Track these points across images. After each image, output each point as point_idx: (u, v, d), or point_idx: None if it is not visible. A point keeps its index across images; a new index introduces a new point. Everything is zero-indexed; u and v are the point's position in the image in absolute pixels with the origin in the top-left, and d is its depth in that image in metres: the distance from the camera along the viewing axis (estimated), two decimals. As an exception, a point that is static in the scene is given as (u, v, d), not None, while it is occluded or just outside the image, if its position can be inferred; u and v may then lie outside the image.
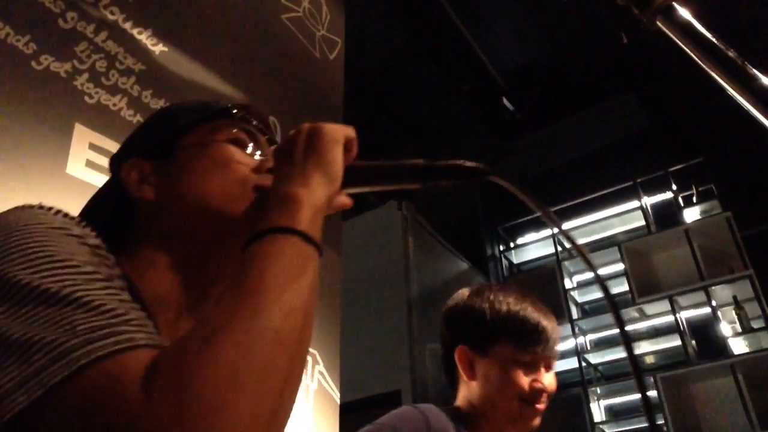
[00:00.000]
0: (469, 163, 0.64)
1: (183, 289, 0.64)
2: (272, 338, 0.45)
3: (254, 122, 0.74)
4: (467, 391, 1.23)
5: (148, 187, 0.68)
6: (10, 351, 0.42)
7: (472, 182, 0.65)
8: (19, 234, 0.48)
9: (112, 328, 0.43)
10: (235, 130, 0.70)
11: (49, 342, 0.41)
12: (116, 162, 0.74)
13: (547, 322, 1.21)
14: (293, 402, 0.48)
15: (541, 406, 1.18)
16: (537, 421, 1.19)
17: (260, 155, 0.71)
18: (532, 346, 1.18)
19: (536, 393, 1.17)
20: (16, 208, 0.54)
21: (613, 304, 0.59)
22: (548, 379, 1.20)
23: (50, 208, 0.54)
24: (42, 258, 0.47)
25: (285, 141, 0.65)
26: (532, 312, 1.21)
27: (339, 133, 0.64)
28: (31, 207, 0.54)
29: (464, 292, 1.30)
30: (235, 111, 0.73)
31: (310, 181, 0.59)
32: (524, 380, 1.17)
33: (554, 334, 1.21)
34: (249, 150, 0.70)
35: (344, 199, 0.67)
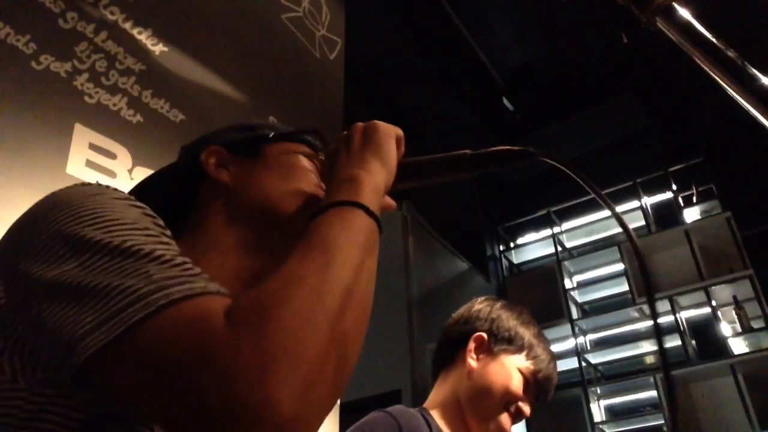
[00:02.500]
0: (515, 148, 0.67)
1: (236, 277, 0.66)
2: (344, 290, 0.48)
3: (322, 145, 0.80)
4: (458, 378, 1.26)
5: (225, 172, 0.72)
6: (87, 299, 0.43)
7: (520, 164, 0.67)
8: (87, 202, 0.50)
9: (184, 276, 0.45)
10: (311, 154, 0.77)
11: (126, 287, 0.43)
12: (189, 150, 0.78)
13: (555, 372, 1.29)
14: (357, 355, 0.52)
15: (509, 426, 1.24)
16: None
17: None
18: (542, 380, 1.26)
19: (519, 412, 1.23)
20: (76, 185, 0.56)
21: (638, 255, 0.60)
22: (528, 411, 1.26)
23: (108, 186, 0.56)
24: (111, 220, 0.49)
25: (340, 138, 0.70)
26: (550, 351, 1.30)
27: (392, 130, 0.69)
28: (91, 184, 0.56)
29: (497, 302, 1.37)
30: (314, 138, 0.79)
31: (369, 165, 0.63)
32: (520, 391, 1.23)
33: (554, 386, 1.30)
34: (317, 170, 0.76)
35: (390, 201, 0.71)
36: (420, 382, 3.25)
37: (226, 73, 1.84)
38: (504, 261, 5.19)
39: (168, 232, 0.54)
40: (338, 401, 1.78)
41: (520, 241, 5.40)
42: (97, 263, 0.45)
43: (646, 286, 0.64)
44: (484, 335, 1.28)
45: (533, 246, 5.26)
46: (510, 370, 1.23)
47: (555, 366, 1.29)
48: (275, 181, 0.71)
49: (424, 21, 4.28)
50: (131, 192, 0.72)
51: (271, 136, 0.77)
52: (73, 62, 1.44)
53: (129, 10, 1.60)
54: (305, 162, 0.75)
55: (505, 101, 5.00)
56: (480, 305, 1.35)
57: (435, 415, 1.25)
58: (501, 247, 5.25)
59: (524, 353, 1.25)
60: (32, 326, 0.45)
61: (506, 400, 1.22)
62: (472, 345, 1.27)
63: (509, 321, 1.29)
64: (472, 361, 1.26)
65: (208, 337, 0.41)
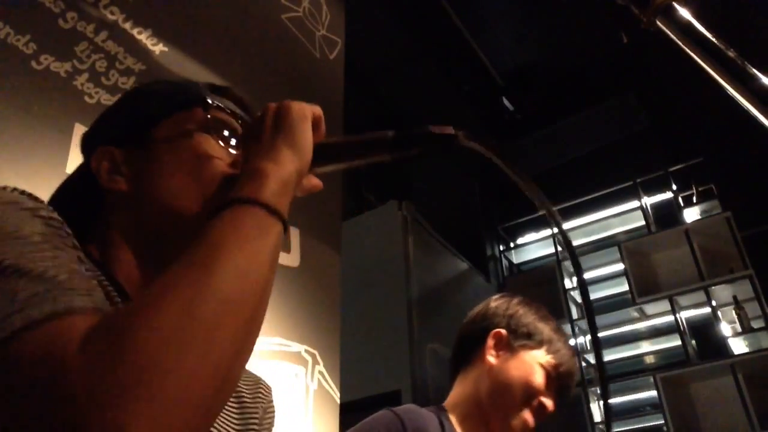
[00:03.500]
0: (439, 129, 0.62)
1: (146, 279, 0.63)
2: (221, 304, 0.43)
3: (233, 109, 0.71)
4: (477, 376, 1.24)
5: (119, 178, 0.66)
6: None
7: (444, 149, 0.63)
8: None
9: (51, 293, 0.42)
10: (211, 119, 0.68)
11: None
12: (87, 145, 0.72)
13: (576, 368, 1.29)
14: (240, 371, 0.46)
15: (533, 423, 1.21)
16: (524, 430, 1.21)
17: (234, 145, 0.68)
18: (563, 371, 1.24)
19: (542, 407, 1.21)
20: None
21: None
22: (552, 405, 1.24)
23: (5, 187, 0.53)
24: (2, 234, 0.46)
25: (252, 122, 0.64)
26: (569, 346, 1.28)
27: (306, 110, 0.63)
28: (5, 189, 0.53)
29: (514, 297, 1.35)
30: (209, 100, 0.69)
31: (278, 155, 0.57)
32: (542, 385, 1.21)
33: (575, 381, 1.28)
34: (227, 140, 0.67)
35: (314, 181, 0.66)
36: (420, 382, 3.25)
37: (225, 73, 1.84)
38: (504, 261, 5.19)
39: (65, 232, 0.51)
40: (338, 401, 1.78)
41: (520, 241, 5.40)
42: None
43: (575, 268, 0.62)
44: (503, 331, 1.25)
45: (533, 246, 5.26)
46: (531, 364, 1.22)
47: (576, 361, 1.28)
48: (170, 179, 0.64)
49: (424, 21, 4.28)
50: (52, 197, 0.69)
51: (155, 113, 0.68)
52: (73, 62, 1.44)
53: (129, 10, 1.60)
54: (204, 142, 0.66)
55: (505, 101, 5.00)
56: (497, 302, 1.33)
57: (453, 417, 1.23)
58: (501, 247, 5.25)
59: (544, 348, 1.23)
60: None
61: (528, 395, 1.20)
62: (491, 342, 1.25)
63: (527, 316, 1.27)
64: (491, 358, 1.24)
65: (57, 364, 0.38)
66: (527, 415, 1.19)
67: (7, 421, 0.39)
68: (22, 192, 0.53)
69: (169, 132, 0.67)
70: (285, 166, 0.57)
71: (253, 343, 0.47)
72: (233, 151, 0.67)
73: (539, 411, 1.21)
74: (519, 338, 1.25)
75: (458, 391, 1.27)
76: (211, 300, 0.43)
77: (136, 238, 0.64)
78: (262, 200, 0.52)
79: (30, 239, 0.47)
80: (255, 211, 0.51)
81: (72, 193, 0.70)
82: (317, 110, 0.64)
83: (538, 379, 1.20)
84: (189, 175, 0.64)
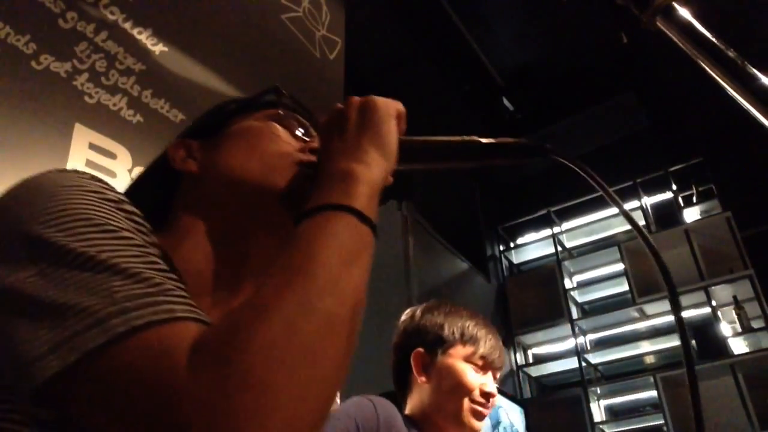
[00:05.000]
0: (531, 143, 0.61)
1: (216, 263, 0.61)
2: (325, 320, 0.42)
3: (300, 108, 0.73)
4: (419, 395, 1.29)
5: (192, 161, 0.67)
6: (44, 314, 0.40)
7: (531, 160, 0.62)
8: (55, 196, 0.46)
9: (150, 297, 0.40)
10: (282, 113, 0.69)
11: (85, 307, 0.39)
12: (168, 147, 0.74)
13: (495, 336, 1.32)
14: (338, 388, 0.45)
15: (486, 411, 1.26)
16: (481, 425, 1.26)
17: (305, 138, 0.69)
18: (484, 350, 1.28)
19: (485, 395, 1.25)
20: (50, 171, 0.51)
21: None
22: (494, 387, 1.28)
23: (84, 173, 0.51)
24: (78, 221, 0.44)
25: (333, 114, 0.61)
26: (483, 325, 1.32)
27: (392, 107, 0.60)
28: (65, 171, 0.51)
29: (417, 309, 1.40)
30: (281, 96, 0.72)
31: (366, 157, 0.55)
32: (476, 381, 1.25)
33: (501, 348, 1.33)
34: (293, 131, 0.68)
35: (388, 179, 0.63)
36: (420, 382, 3.25)
37: (225, 72, 1.84)
38: (504, 261, 5.19)
39: (146, 227, 0.50)
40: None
41: (520, 241, 5.40)
42: (58, 272, 0.41)
43: (668, 282, 0.60)
44: (419, 350, 1.30)
45: (533, 246, 5.26)
46: (455, 367, 1.26)
47: (493, 334, 1.32)
48: (239, 155, 0.64)
49: (424, 21, 4.28)
50: (127, 189, 0.68)
51: (231, 109, 0.71)
52: (73, 62, 1.44)
53: (129, 10, 1.60)
54: (272, 126, 0.67)
55: (505, 101, 5.00)
56: (404, 323, 1.38)
57: (414, 426, 1.28)
58: (501, 247, 5.24)
59: (458, 343, 1.28)
60: None
61: (465, 393, 1.24)
62: (414, 365, 1.30)
63: (431, 321, 1.32)
64: (421, 379, 1.28)
65: (167, 375, 0.37)
66: (475, 409, 1.24)
67: (110, 427, 0.38)
68: (99, 180, 0.51)
69: (243, 124, 0.68)
70: (373, 169, 0.55)
71: (349, 363, 0.46)
72: (300, 141, 0.68)
73: (484, 398, 1.25)
74: (433, 348, 1.29)
75: (411, 405, 1.32)
76: (318, 319, 0.42)
77: (201, 214, 0.63)
78: (357, 207, 0.50)
79: (120, 234, 0.45)
80: (349, 219, 0.50)
81: (147, 185, 0.70)
82: (401, 107, 0.62)
83: (468, 376, 1.25)
84: (256, 149, 0.64)
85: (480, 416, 1.25)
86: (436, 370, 1.27)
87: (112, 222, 0.46)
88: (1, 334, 0.41)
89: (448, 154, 0.62)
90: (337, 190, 0.52)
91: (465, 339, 1.28)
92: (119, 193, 0.51)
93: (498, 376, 1.32)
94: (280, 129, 0.67)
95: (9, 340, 0.40)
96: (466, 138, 0.62)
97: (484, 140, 0.61)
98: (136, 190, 0.70)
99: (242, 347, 0.38)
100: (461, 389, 1.24)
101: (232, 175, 0.63)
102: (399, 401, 1.35)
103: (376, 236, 0.52)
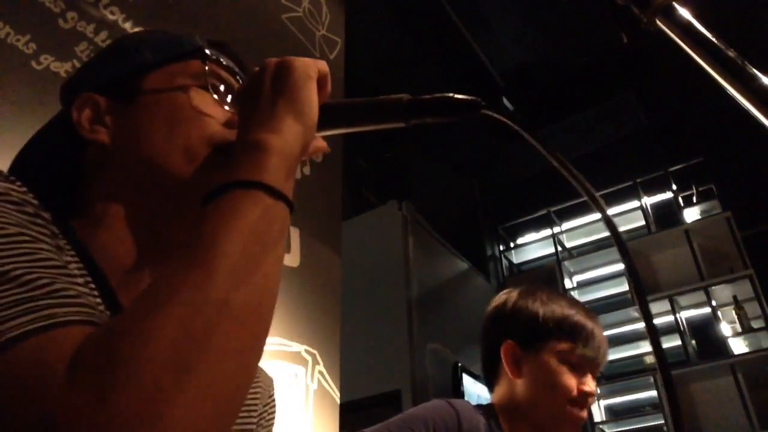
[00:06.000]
0: (459, 96, 0.57)
1: (140, 253, 0.57)
2: (224, 313, 0.38)
3: (230, 65, 0.65)
4: (509, 389, 1.19)
5: (102, 129, 0.59)
6: None
7: (462, 117, 0.57)
8: None
9: (30, 302, 0.37)
10: (208, 72, 0.61)
11: None
12: (66, 95, 0.66)
13: (599, 329, 1.19)
14: (249, 384, 0.41)
15: (584, 413, 1.15)
16: (579, 425, 1.15)
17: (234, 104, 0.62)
18: (584, 348, 1.15)
19: (584, 396, 1.14)
20: None
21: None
22: (593, 386, 1.17)
23: (7, 178, 0.47)
24: None
25: (249, 79, 0.56)
26: (584, 316, 1.18)
27: (311, 68, 0.55)
28: None
29: (513, 292, 1.27)
30: (208, 52, 0.62)
31: (280, 125, 0.50)
32: (573, 382, 1.14)
33: (605, 344, 1.20)
34: (221, 97, 0.61)
35: (320, 143, 0.59)
36: (420, 382, 3.25)
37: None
38: (504, 261, 5.19)
39: (42, 218, 0.45)
40: (338, 401, 1.78)
41: (520, 241, 5.40)
42: None
43: (636, 286, 0.59)
44: (510, 343, 1.19)
45: (533, 246, 5.26)
46: (549, 365, 1.15)
47: (595, 329, 1.18)
48: (158, 134, 0.57)
49: (424, 21, 4.28)
50: (14, 164, 0.62)
51: (146, 61, 0.61)
52: (73, 62, 1.44)
53: (129, 10, 1.60)
54: (195, 99, 0.59)
55: (505, 101, 5.00)
56: (496, 309, 1.26)
57: (501, 418, 1.19)
58: (501, 247, 5.25)
59: (554, 337, 1.16)
60: None
61: (563, 395, 1.14)
62: (504, 358, 1.19)
63: (525, 312, 1.20)
64: (511, 373, 1.19)
65: (45, 387, 0.34)
66: (574, 411, 1.14)
67: None
68: (5, 177, 0.47)
69: (160, 83, 0.60)
70: (288, 137, 0.50)
71: (261, 351, 0.42)
72: (229, 109, 0.61)
73: (583, 400, 1.15)
74: (527, 341, 1.18)
75: (499, 394, 1.22)
76: (212, 311, 0.38)
77: (119, 202, 0.57)
78: (266, 181, 0.46)
79: (5, 231, 0.41)
80: (258, 195, 0.45)
81: (47, 152, 0.62)
82: (323, 66, 0.56)
83: (564, 378, 1.14)
84: (177, 131, 0.57)
85: (579, 418, 1.14)
86: (531, 366, 1.16)
87: (10, 226, 0.42)
88: None
89: (373, 115, 0.58)
90: (246, 163, 0.47)
91: (562, 334, 1.15)
92: (12, 182, 0.46)
93: (597, 373, 1.19)
94: (207, 99, 0.60)
95: None
96: (390, 97, 0.58)
97: (407, 97, 0.58)
98: (29, 156, 0.63)
99: (125, 348, 0.35)
100: (559, 391, 1.13)
101: (149, 160, 0.57)
102: (487, 387, 1.27)
103: (293, 211, 0.47)
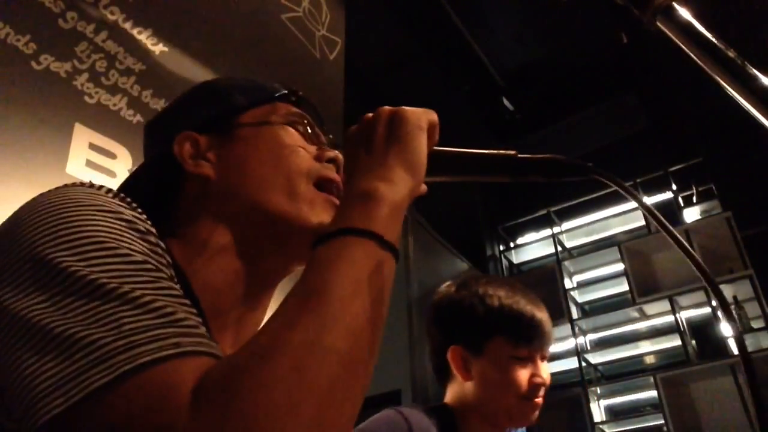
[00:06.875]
0: (569, 159, 0.59)
1: (236, 281, 0.60)
2: (335, 360, 0.40)
3: (310, 110, 0.70)
4: (461, 389, 1.19)
5: (206, 163, 0.63)
6: (50, 346, 0.39)
7: (567, 179, 0.59)
8: (67, 217, 0.45)
9: (158, 329, 0.39)
10: (296, 112, 0.67)
11: (92, 341, 0.38)
12: (156, 134, 0.70)
13: (541, 314, 1.18)
14: (351, 428, 0.43)
15: (539, 401, 1.15)
16: (536, 415, 1.15)
17: (318, 143, 0.67)
18: (529, 341, 1.15)
19: (536, 388, 1.14)
20: (66, 186, 0.49)
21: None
22: (546, 372, 1.17)
23: (101, 187, 0.50)
24: (90, 245, 0.43)
25: (361, 125, 0.58)
26: (525, 305, 1.17)
27: (423, 119, 0.57)
28: (82, 185, 0.50)
29: (450, 287, 1.24)
30: (294, 97, 0.69)
31: (392, 174, 0.52)
32: (523, 377, 1.14)
33: (548, 325, 1.19)
34: (309, 136, 0.66)
35: (422, 187, 0.59)
36: (420, 382, 3.25)
37: (225, 72, 1.84)
38: (504, 261, 5.19)
39: (160, 246, 0.48)
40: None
41: (520, 241, 5.39)
42: (65, 300, 0.40)
43: (702, 273, 0.56)
44: (457, 347, 1.18)
45: (533, 246, 5.26)
46: (498, 364, 1.14)
47: (536, 307, 1.16)
48: (260, 169, 0.61)
49: (424, 21, 4.27)
50: (121, 188, 0.65)
51: (240, 102, 0.67)
52: (73, 62, 1.44)
53: (129, 10, 1.60)
54: (291, 133, 0.64)
55: (505, 101, 5.00)
56: (434, 309, 1.24)
57: (457, 416, 1.18)
58: (501, 247, 5.24)
59: (498, 334, 1.15)
60: None
61: (515, 390, 1.13)
62: (451, 363, 1.18)
63: (467, 311, 1.17)
64: (462, 377, 1.18)
65: (169, 416, 0.36)
66: (528, 404, 1.14)
67: None
68: (115, 194, 0.49)
69: (253, 118, 0.65)
70: (399, 188, 0.51)
71: (363, 396, 0.43)
72: (315, 147, 0.66)
73: (536, 392, 1.14)
74: (471, 343, 1.17)
75: (452, 394, 1.21)
76: (328, 359, 0.40)
77: (220, 227, 0.60)
78: (377, 231, 0.47)
79: (132, 258, 0.44)
80: (369, 245, 0.47)
81: (148, 185, 0.66)
82: (433, 117, 0.58)
83: (513, 375, 1.13)
84: (275, 166, 0.61)
85: (534, 408, 1.14)
86: (480, 366, 1.15)
87: (124, 245, 0.44)
88: (8, 363, 0.40)
89: (481, 168, 0.60)
90: (357, 212, 0.49)
91: (508, 331, 1.14)
92: (135, 209, 0.49)
93: (547, 355, 1.18)
94: (296, 136, 0.65)
95: (15, 371, 0.40)
96: (502, 151, 0.59)
97: (520, 156, 0.59)
98: (134, 187, 0.66)
99: (243, 391, 0.37)
100: (511, 387, 1.13)
101: (253, 193, 0.61)
102: (440, 386, 1.25)
103: (397, 260, 0.49)
